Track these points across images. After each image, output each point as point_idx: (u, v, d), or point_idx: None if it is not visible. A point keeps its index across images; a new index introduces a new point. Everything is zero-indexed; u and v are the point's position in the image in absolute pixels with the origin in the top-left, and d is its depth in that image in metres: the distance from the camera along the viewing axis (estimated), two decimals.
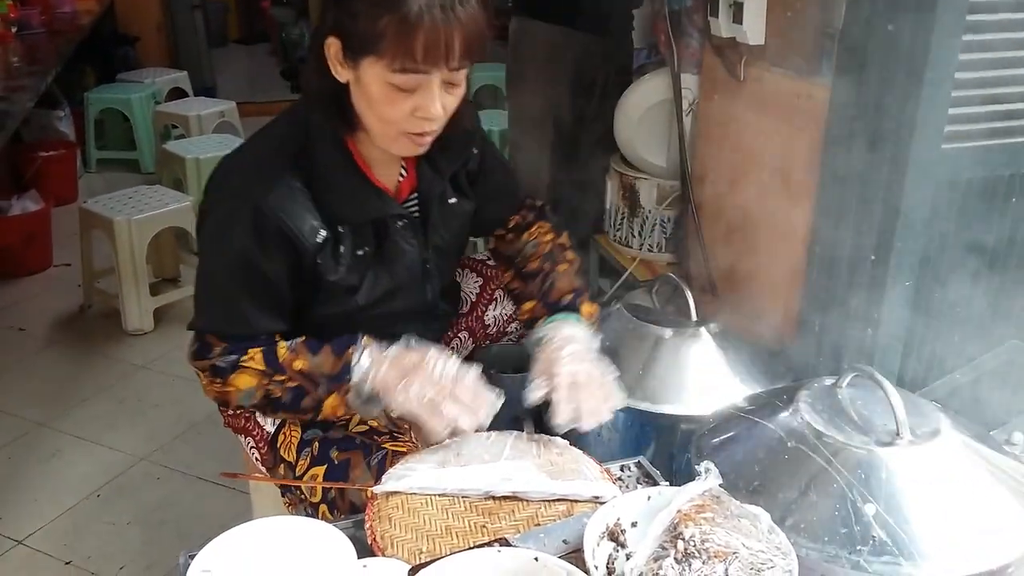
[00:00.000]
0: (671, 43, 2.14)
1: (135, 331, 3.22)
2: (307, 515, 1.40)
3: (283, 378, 1.38)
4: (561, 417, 1.37)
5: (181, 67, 6.07)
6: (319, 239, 1.39)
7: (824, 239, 1.63)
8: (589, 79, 2.67)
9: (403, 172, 1.52)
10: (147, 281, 3.28)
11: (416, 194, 1.54)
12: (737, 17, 1.78)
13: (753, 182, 1.91)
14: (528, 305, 1.64)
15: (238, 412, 1.53)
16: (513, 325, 1.83)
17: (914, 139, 1.43)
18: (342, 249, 1.43)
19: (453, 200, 1.58)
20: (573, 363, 1.44)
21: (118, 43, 5.96)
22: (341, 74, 1.34)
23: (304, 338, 1.42)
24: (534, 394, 1.41)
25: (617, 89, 2.60)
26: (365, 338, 1.38)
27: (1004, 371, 1.71)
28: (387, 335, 1.56)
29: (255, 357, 1.40)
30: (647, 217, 2.42)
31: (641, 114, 2.34)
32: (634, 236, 2.47)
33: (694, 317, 1.71)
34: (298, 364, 1.38)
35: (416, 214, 1.54)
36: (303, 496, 1.45)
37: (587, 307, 1.60)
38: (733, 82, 1.92)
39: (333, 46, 1.32)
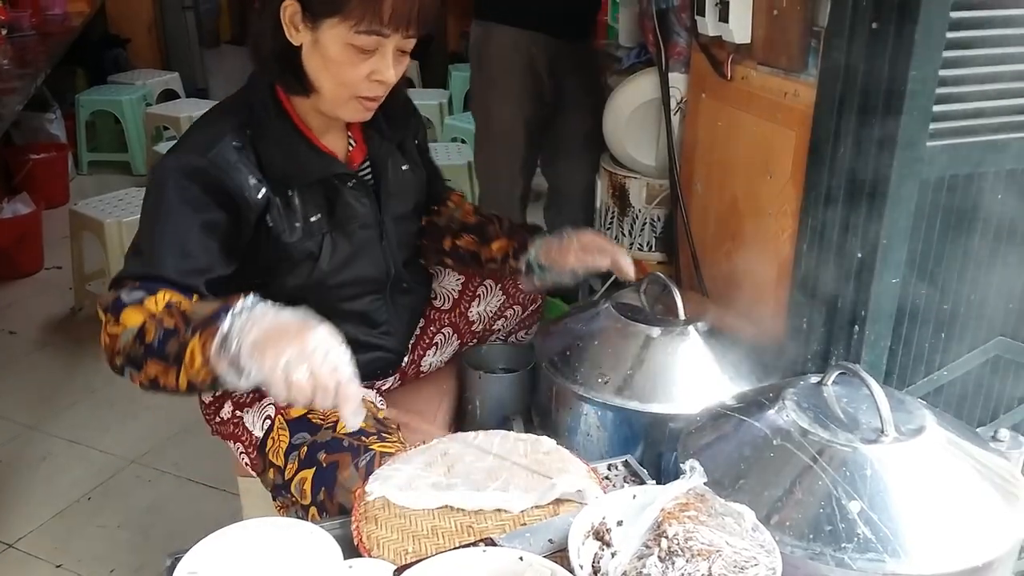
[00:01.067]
0: (658, 42, 2.14)
1: None
2: (298, 518, 1.40)
3: (165, 316, 1.26)
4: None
5: (172, 68, 6.07)
6: (260, 196, 1.41)
7: (811, 237, 1.63)
8: (557, 82, 2.67)
9: (352, 142, 1.56)
10: None
11: (368, 161, 1.58)
12: (723, 16, 1.79)
13: (741, 180, 1.92)
14: (498, 244, 1.73)
15: (116, 368, 1.32)
16: (500, 322, 1.84)
17: (899, 137, 1.44)
18: (296, 212, 1.46)
19: (405, 167, 1.63)
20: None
21: (109, 45, 5.95)
22: (295, 37, 1.39)
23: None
24: (600, 262, 1.65)
25: (586, 91, 2.61)
26: (250, 297, 1.23)
27: (991, 368, 1.72)
28: (355, 311, 1.59)
29: (159, 298, 1.29)
30: (637, 216, 2.42)
31: (630, 113, 2.34)
32: (624, 235, 2.47)
33: (682, 316, 1.71)
34: (184, 305, 1.28)
35: (369, 179, 1.59)
36: (294, 499, 1.45)
37: None
38: (720, 81, 1.92)
39: (290, 8, 1.37)
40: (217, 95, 6.00)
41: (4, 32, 4.24)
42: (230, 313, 1.18)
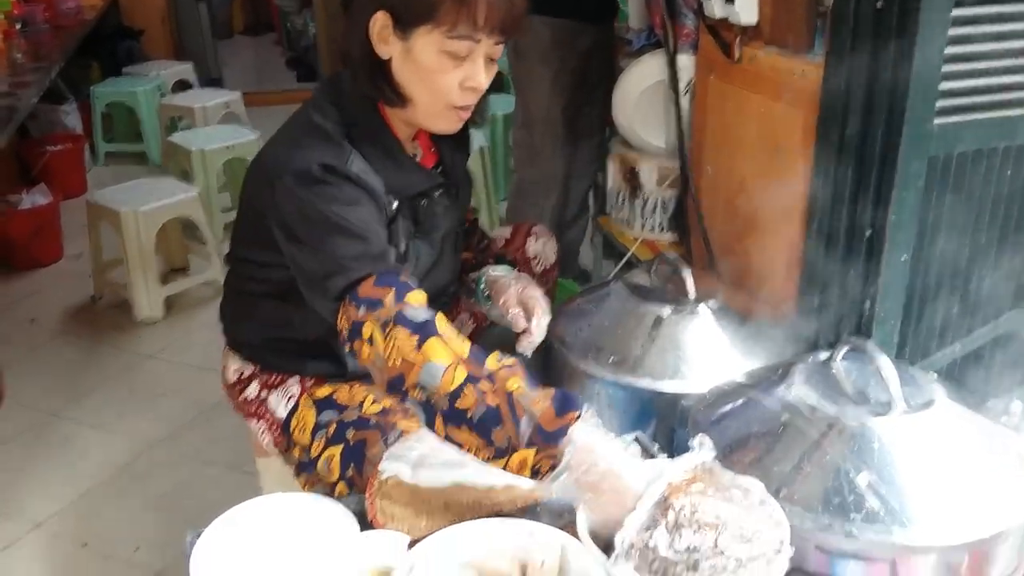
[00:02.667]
0: (666, 24, 2.15)
1: (145, 320, 3.25)
2: (324, 494, 1.42)
3: (487, 388, 1.14)
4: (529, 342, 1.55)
5: (186, 59, 6.09)
6: (393, 208, 1.43)
7: (821, 214, 1.63)
8: (590, 66, 2.67)
9: (418, 151, 1.56)
10: (156, 271, 3.31)
11: (439, 168, 1.59)
12: None
13: (750, 160, 1.92)
14: (465, 255, 1.77)
15: (404, 397, 1.21)
16: (472, 275, 1.84)
17: (907, 114, 1.44)
18: (401, 223, 1.47)
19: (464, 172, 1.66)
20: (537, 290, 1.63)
21: (123, 36, 5.98)
22: (384, 50, 1.38)
23: (515, 359, 1.21)
24: (519, 321, 1.56)
25: (605, 74, 2.61)
26: (591, 410, 1.13)
27: (1004, 342, 1.72)
28: None
29: (457, 334, 1.21)
30: (648, 198, 2.43)
31: (639, 95, 2.35)
32: (636, 217, 2.48)
33: (692, 295, 1.72)
34: (512, 384, 1.14)
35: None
36: (321, 476, 1.48)
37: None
38: (728, 62, 1.92)
39: (379, 21, 1.36)
40: (231, 85, 6.03)
41: (18, 26, 4.27)
42: (567, 445, 1.08)
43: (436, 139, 1.58)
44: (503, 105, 3.95)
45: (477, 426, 1.13)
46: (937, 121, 1.46)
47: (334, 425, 1.47)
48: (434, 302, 1.59)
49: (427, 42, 1.34)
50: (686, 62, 2.18)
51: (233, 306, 1.65)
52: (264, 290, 1.54)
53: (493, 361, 1.18)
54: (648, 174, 2.41)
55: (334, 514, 1.18)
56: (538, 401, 1.12)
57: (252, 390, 1.62)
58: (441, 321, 1.22)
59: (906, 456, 1.19)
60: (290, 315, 1.51)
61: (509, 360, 1.20)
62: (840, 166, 1.56)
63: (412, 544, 1.07)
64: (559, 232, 2.37)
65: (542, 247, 1.96)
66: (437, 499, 1.23)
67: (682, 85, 2.19)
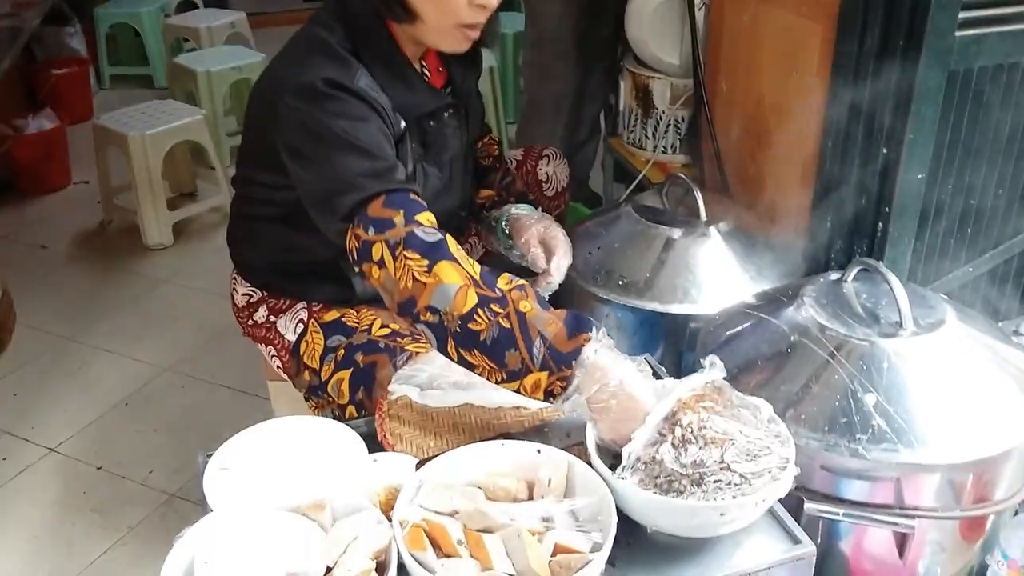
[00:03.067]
0: None
1: (155, 246, 3.25)
2: (334, 417, 1.43)
3: (500, 310, 1.13)
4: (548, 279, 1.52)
5: None
6: (401, 128, 1.40)
7: (836, 132, 1.60)
8: None
9: (426, 72, 1.52)
10: (164, 196, 3.30)
11: (447, 89, 1.55)
12: None
13: (766, 77, 1.87)
14: (486, 192, 1.73)
15: (410, 328, 1.27)
16: (494, 212, 1.82)
17: (927, 27, 1.39)
18: (407, 143, 1.44)
19: (475, 95, 1.63)
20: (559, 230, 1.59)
21: None
22: None
23: (524, 282, 1.20)
24: (539, 262, 1.53)
25: None
26: (603, 331, 1.12)
27: (1017, 264, 1.70)
28: None
29: (467, 256, 1.19)
30: (661, 118, 2.38)
31: (653, 11, 2.28)
32: (648, 138, 2.44)
33: (704, 217, 1.70)
34: (524, 306, 1.13)
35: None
36: (331, 399, 1.49)
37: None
38: None
39: None
40: (236, 4, 5.91)
41: None
42: (579, 362, 1.08)
43: (446, 59, 1.54)
44: (513, 23, 3.86)
45: (490, 348, 1.12)
46: (959, 33, 1.41)
47: (343, 349, 1.47)
48: (444, 225, 1.57)
49: None
50: None
51: (240, 230, 1.64)
52: (270, 213, 1.53)
53: (504, 282, 1.17)
54: (661, 93, 2.35)
55: (344, 437, 1.19)
56: (551, 323, 1.11)
57: (260, 315, 1.62)
58: (452, 243, 1.20)
59: (914, 376, 1.18)
60: (297, 239, 1.50)
61: (520, 281, 1.19)
62: (858, 81, 1.52)
63: (420, 465, 1.08)
64: (569, 154, 2.32)
65: (553, 170, 1.93)
66: (446, 420, 1.24)
67: (697, 0, 2.13)
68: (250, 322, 1.65)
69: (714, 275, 1.63)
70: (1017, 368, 1.24)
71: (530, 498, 1.04)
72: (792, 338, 1.27)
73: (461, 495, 1.00)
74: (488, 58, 3.85)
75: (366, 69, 1.37)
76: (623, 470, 1.01)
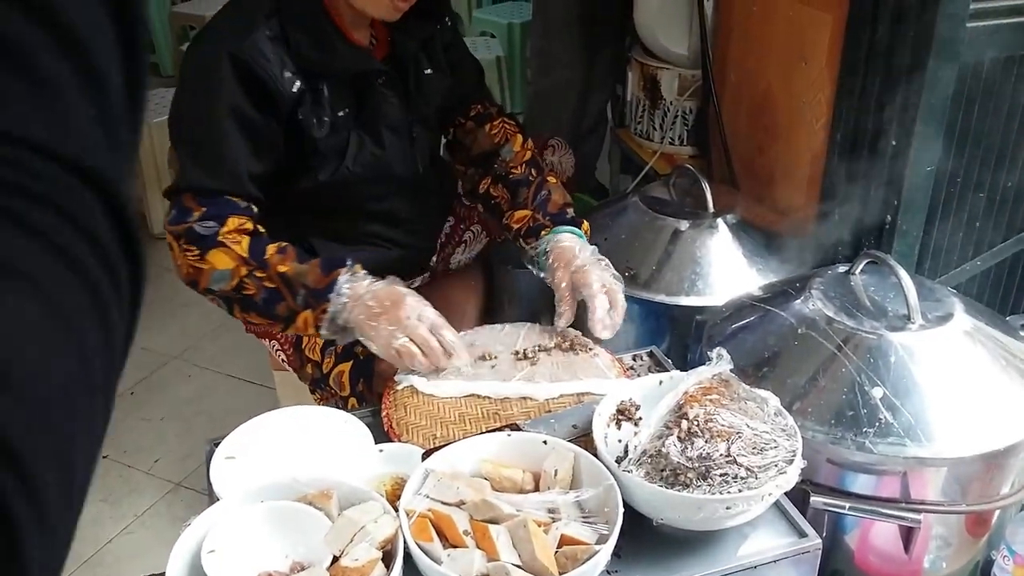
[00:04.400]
0: None
1: (161, 234, 3.26)
2: (337, 408, 1.43)
3: (263, 275, 1.33)
4: (600, 327, 1.36)
5: None
6: (295, 89, 1.39)
7: (845, 124, 1.59)
8: None
9: (374, 39, 1.51)
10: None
11: (389, 60, 1.53)
12: None
13: (775, 68, 1.86)
14: (521, 214, 1.57)
15: (202, 292, 1.38)
16: (531, 241, 1.77)
17: (938, 18, 1.38)
18: (325, 107, 1.43)
19: (429, 71, 1.57)
20: (600, 271, 1.41)
21: None
22: None
23: (289, 245, 1.37)
24: (562, 320, 1.40)
25: None
26: (356, 265, 1.33)
27: None
28: (380, 210, 1.58)
29: (240, 241, 1.34)
30: (668, 109, 2.37)
31: (661, 1, 2.27)
32: (655, 129, 2.43)
33: (711, 208, 1.70)
34: (283, 267, 1.32)
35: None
36: (333, 391, 1.49)
37: (585, 225, 1.56)
38: None
39: None
40: None
41: None
42: (334, 293, 1.29)
43: (395, 30, 1.51)
44: (521, 13, 3.85)
45: (263, 307, 1.34)
46: (970, 25, 1.40)
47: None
48: (399, 195, 1.57)
49: None
50: None
51: None
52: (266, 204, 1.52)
53: (270, 251, 1.34)
54: (669, 84, 2.34)
55: (349, 426, 1.19)
56: (309, 272, 1.31)
57: None
58: (226, 228, 1.33)
59: (922, 370, 1.18)
60: (278, 226, 1.49)
61: (282, 244, 1.36)
62: (868, 72, 1.51)
63: (427, 455, 1.08)
64: (576, 145, 2.32)
65: (559, 160, 1.92)
66: (452, 410, 1.24)
67: None
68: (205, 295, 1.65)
69: (721, 267, 1.62)
70: None
71: (536, 489, 1.04)
72: (799, 331, 1.27)
73: (467, 486, 1.00)
74: (495, 48, 3.84)
75: (280, 25, 1.38)
76: (629, 462, 1.01)
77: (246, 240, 1.34)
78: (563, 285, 1.41)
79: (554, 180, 1.62)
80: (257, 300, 1.33)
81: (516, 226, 1.57)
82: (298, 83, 1.39)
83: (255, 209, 1.40)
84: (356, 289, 1.29)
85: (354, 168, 1.48)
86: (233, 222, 1.35)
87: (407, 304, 1.28)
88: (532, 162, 1.65)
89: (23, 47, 0.37)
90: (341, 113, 1.45)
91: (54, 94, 0.39)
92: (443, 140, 1.76)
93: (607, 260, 1.45)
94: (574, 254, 1.44)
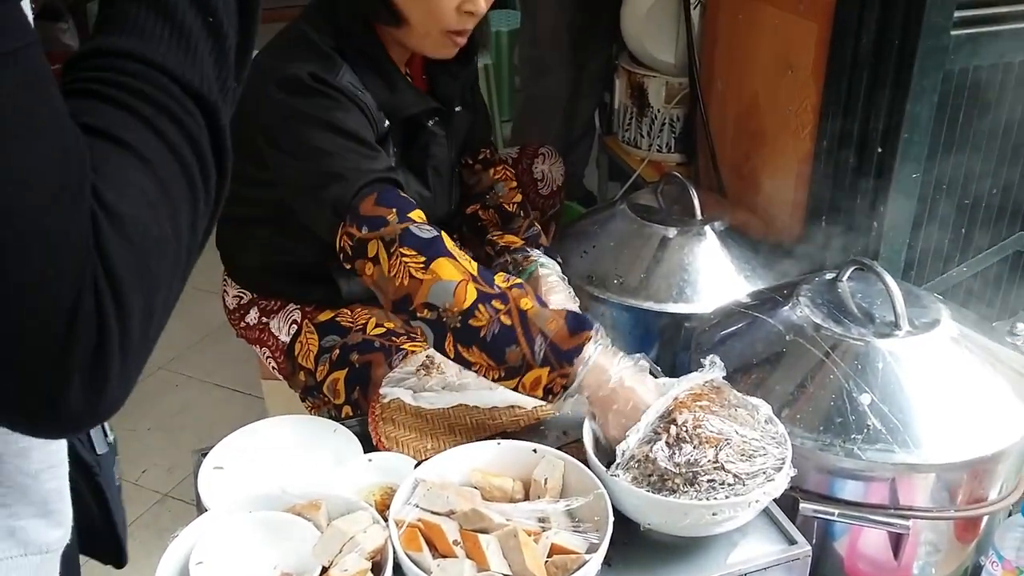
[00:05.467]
0: None
1: None
2: (330, 417, 1.42)
3: (502, 307, 1.12)
4: None
5: None
6: (384, 127, 1.38)
7: (831, 132, 1.60)
8: None
9: (409, 77, 1.50)
10: None
11: (432, 97, 1.52)
12: None
13: (761, 76, 1.87)
14: (511, 238, 1.62)
15: (404, 326, 1.25)
16: (519, 255, 1.78)
17: (923, 25, 1.39)
18: (391, 147, 1.43)
19: (459, 108, 1.58)
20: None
21: None
22: None
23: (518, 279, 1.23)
24: None
25: None
26: (600, 331, 1.13)
27: (1011, 263, 1.70)
28: None
29: (468, 258, 1.18)
30: (656, 116, 2.38)
31: (648, 8, 2.28)
32: (643, 136, 2.44)
33: (699, 216, 1.70)
34: (523, 302, 1.13)
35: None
36: (327, 399, 1.48)
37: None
38: None
39: None
40: None
41: None
42: (581, 364, 1.09)
43: (431, 69, 1.52)
44: (509, 21, 3.85)
45: (490, 345, 1.11)
46: (954, 33, 1.42)
47: (337, 349, 1.47)
48: None
49: None
50: None
51: (227, 234, 1.64)
52: (256, 214, 1.52)
53: (502, 280, 1.17)
54: (656, 91, 2.35)
55: (339, 436, 1.18)
56: (552, 320, 1.11)
57: (252, 316, 1.61)
58: (447, 240, 1.19)
59: (910, 376, 1.18)
60: (283, 241, 1.49)
61: (517, 280, 1.19)
62: (853, 80, 1.52)
63: (418, 466, 1.07)
64: (564, 152, 2.32)
65: (548, 168, 1.92)
66: (441, 422, 1.23)
67: None
68: (242, 324, 1.64)
69: (709, 274, 1.63)
70: (1011, 368, 1.24)
71: (526, 498, 1.04)
72: (787, 338, 1.27)
73: (457, 495, 0.99)
74: (484, 56, 3.85)
75: (350, 68, 1.36)
76: (616, 467, 1.01)
77: (474, 263, 1.18)
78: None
79: (539, 227, 1.68)
80: (485, 335, 1.12)
81: (502, 244, 1.60)
82: (386, 121, 1.39)
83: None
84: (601, 363, 1.09)
85: None
86: (421, 215, 1.22)
87: (647, 416, 1.06)
88: (523, 204, 1.69)
89: (170, 5, 0.55)
90: (396, 150, 1.45)
91: (187, 39, 0.55)
92: None
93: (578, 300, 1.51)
94: (553, 286, 1.48)
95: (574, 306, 1.47)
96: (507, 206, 1.69)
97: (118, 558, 0.83)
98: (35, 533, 0.64)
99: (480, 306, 1.12)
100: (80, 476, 0.75)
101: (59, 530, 0.66)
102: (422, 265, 1.14)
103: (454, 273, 1.14)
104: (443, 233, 1.21)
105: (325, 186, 1.26)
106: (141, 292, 0.51)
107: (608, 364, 1.09)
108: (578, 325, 1.11)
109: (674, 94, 2.33)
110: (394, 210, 1.20)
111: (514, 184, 1.72)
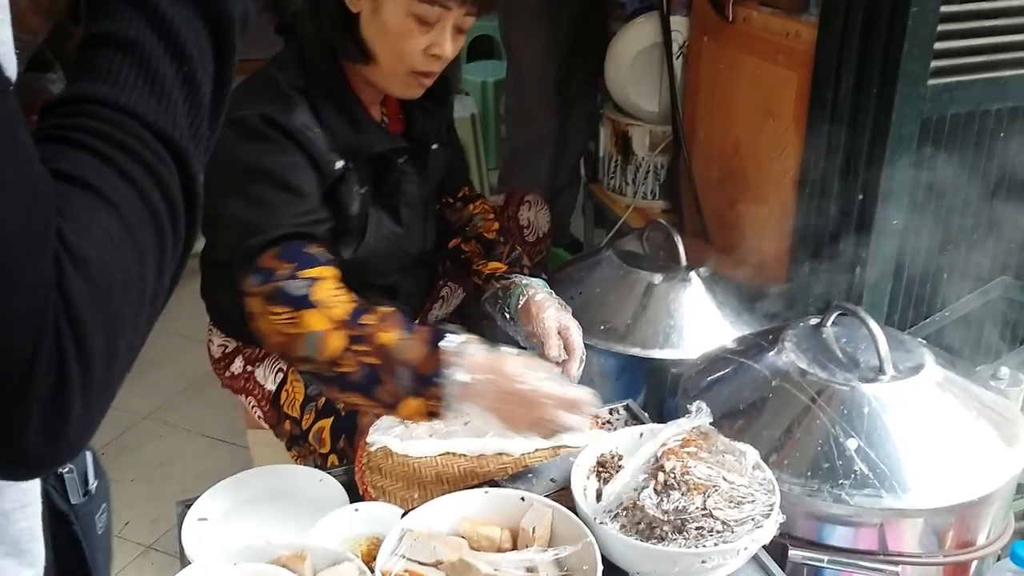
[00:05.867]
0: None
1: None
2: (316, 466, 1.41)
3: (363, 349, 1.15)
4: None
5: None
6: (336, 168, 1.39)
7: (813, 179, 1.62)
8: (582, 29, 2.64)
9: (385, 117, 1.52)
10: None
11: (403, 136, 1.53)
12: None
13: (743, 124, 1.90)
14: (495, 264, 1.61)
15: (297, 369, 1.31)
16: (504, 281, 1.79)
17: (900, 75, 1.42)
18: (354, 184, 1.43)
19: (435, 146, 1.59)
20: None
21: None
22: (355, 3, 1.34)
23: (394, 310, 1.23)
24: (554, 351, 1.42)
25: (595, 37, 2.57)
26: (464, 335, 1.17)
27: (993, 308, 1.72)
28: (383, 284, 1.58)
29: (339, 298, 1.21)
30: (640, 164, 2.41)
31: (632, 59, 2.32)
32: (627, 184, 2.46)
33: (684, 262, 1.72)
34: (383, 337, 1.15)
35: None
36: (312, 448, 1.47)
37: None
38: (722, 23, 1.90)
39: None
40: None
41: None
42: (446, 374, 1.11)
43: (408, 107, 1.53)
44: (494, 71, 3.91)
45: (363, 388, 1.16)
46: (931, 82, 1.45)
47: (324, 397, 1.46)
48: (406, 271, 1.57)
49: (397, 2, 1.31)
50: (680, 24, 2.15)
51: (211, 281, 1.64)
52: (233, 259, 1.52)
53: (372, 317, 1.19)
54: (640, 140, 2.38)
55: (325, 486, 1.17)
56: (412, 349, 1.14)
57: (237, 365, 1.61)
58: (320, 289, 1.21)
59: (895, 421, 1.19)
60: None
61: (387, 310, 1.21)
62: (833, 129, 1.54)
63: (404, 515, 1.06)
64: (550, 199, 2.34)
65: (535, 216, 1.94)
66: (428, 470, 1.22)
67: (675, 48, 2.17)
68: (227, 373, 1.63)
69: (695, 320, 1.63)
70: (996, 412, 1.25)
71: (514, 547, 1.03)
72: (773, 383, 1.27)
73: (444, 545, 0.98)
74: (469, 106, 3.89)
75: (312, 106, 1.37)
76: (604, 514, 1.01)
77: (345, 299, 1.22)
78: (552, 338, 1.43)
79: (519, 249, 1.67)
80: (354, 380, 1.16)
81: (487, 272, 1.61)
82: (340, 162, 1.39)
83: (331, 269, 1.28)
84: (472, 369, 1.12)
85: (374, 245, 1.48)
86: (327, 272, 1.25)
87: (528, 382, 1.12)
88: (501, 231, 1.70)
89: (144, 52, 0.56)
90: (363, 190, 1.46)
91: (161, 86, 0.56)
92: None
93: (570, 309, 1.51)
94: (548, 304, 1.48)
95: (567, 315, 1.48)
96: (487, 234, 1.69)
97: None
98: (7, 572, 0.64)
99: (345, 353, 1.15)
100: (55, 524, 0.75)
101: (31, 570, 0.66)
102: (290, 320, 1.19)
103: (321, 323, 1.18)
104: (322, 280, 1.22)
105: (241, 235, 1.28)
106: (103, 334, 0.52)
107: (483, 364, 1.12)
108: (437, 343, 1.14)
109: (658, 142, 2.36)
110: (288, 265, 1.23)
111: (491, 215, 1.73)
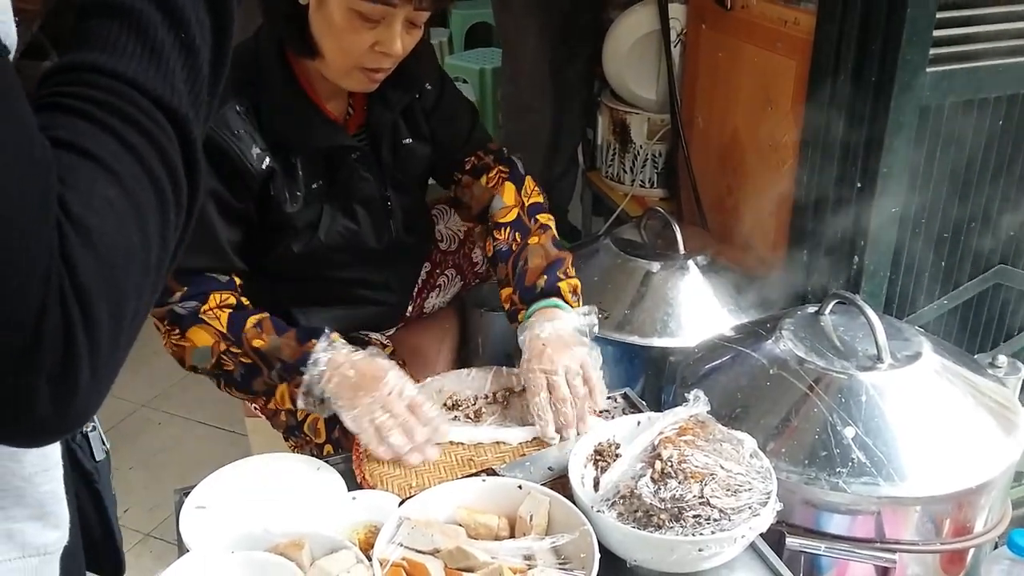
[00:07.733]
0: None
1: None
2: (313, 455, 1.41)
3: (239, 351, 1.32)
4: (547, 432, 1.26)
5: None
6: (264, 166, 1.36)
7: (811, 167, 1.62)
8: (577, 16, 2.63)
9: (351, 109, 1.50)
10: None
11: (364, 130, 1.50)
12: None
13: (741, 113, 1.90)
14: (506, 292, 1.49)
15: (189, 369, 1.38)
16: (515, 322, 1.71)
17: (899, 63, 1.42)
18: (298, 180, 1.41)
19: (408, 141, 1.54)
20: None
21: None
22: None
23: (270, 316, 1.34)
24: (548, 430, 1.25)
25: (591, 27, 2.56)
26: (333, 334, 1.30)
27: (991, 296, 1.72)
28: (354, 277, 1.57)
29: (220, 317, 1.33)
30: (638, 152, 2.41)
31: (630, 47, 2.31)
32: (626, 172, 2.46)
33: (682, 250, 1.71)
34: (258, 342, 1.31)
35: (368, 149, 1.51)
36: (308, 438, 1.47)
37: (566, 283, 1.44)
38: (720, 10, 1.89)
39: None
40: None
41: None
42: (309, 364, 1.26)
43: (373, 101, 1.48)
44: (491, 59, 3.90)
45: (243, 383, 1.35)
46: (930, 70, 1.44)
47: None
48: (372, 263, 1.55)
49: None
50: (678, 12, 2.14)
51: None
52: None
53: (248, 325, 1.32)
54: (638, 128, 2.38)
55: (322, 474, 1.17)
56: (284, 346, 1.29)
57: None
58: (205, 308, 1.33)
59: (893, 409, 1.19)
60: (256, 291, 1.45)
61: (260, 316, 1.34)
62: (831, 116, 1.54)
63: (403, 502, 1.06)
64: (548, 188, 2.34)
65: None
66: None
67: (673, 36, 2.16)
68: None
69: (693, 308, 1.63)
70: (993, 400, 1.25)
71: (512, 535, 1.03)
72: (771, 371, 1.27)
73: (442, 533, 0.99)
74: (467, 93, 3.88)
75: (252, 101, 1.35)
76: (601, 502, 1.01)
77: (226, 315, 1.34)
78: (541, 414, 1.26)
79: (535, 239, 1.50)
80: (236, 377, 1.35)
81: (507, 307, 1.49)
82: (268, 160, 1.36)
83: (238, 281, 1.39)
84: (335, 359, 1.26)
85: (327, 240, 1.47)
86: (215, 298, 1.34)
87: (388, 379, 1.24)
88: (517, 223, 1.54)
89: (142, 19, 0.56)
90: (315, 186, 1.43)
91: (159, 54, 0.56)
92: (451, 192, 1.70)
93: (587, 330, 1.38)
94: (540, 347, 1.33)
95: (574, 353, 1.32)
96: (499, 235, 1.53)
97: (116, 568, 0.83)
98: (32, 535, 0.65)
99: (224, 357, 1.33)
100: (79, 483, 0.77)
101: (56, 532, 0.67)
102: (179, 336, 1.33)
103: (205, 338, 1.32)
104: (209, 299, 1.34)
105: None
106: (108, 301, 0.52)
107: (340, 357, 1.26)
108: (305, 336, 1.29)
109: (656, 130, 2.35)
110: (183, 288, 1.33)
111: (509, 190, 1.57)
